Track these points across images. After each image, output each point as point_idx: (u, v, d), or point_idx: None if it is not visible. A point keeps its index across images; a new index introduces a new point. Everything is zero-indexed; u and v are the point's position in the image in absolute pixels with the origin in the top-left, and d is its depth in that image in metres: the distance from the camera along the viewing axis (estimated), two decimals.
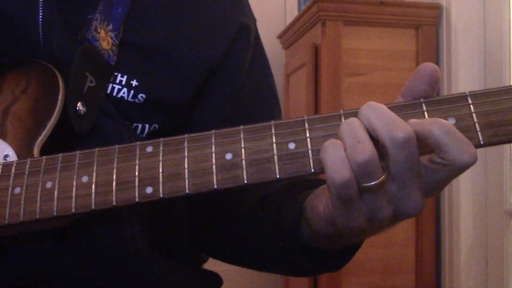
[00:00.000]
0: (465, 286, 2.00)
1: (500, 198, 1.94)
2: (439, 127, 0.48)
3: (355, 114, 0.52)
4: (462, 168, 0.48)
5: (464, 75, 2.03)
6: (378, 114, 0.49)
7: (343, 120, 0.52)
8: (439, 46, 2.13)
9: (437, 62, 2.13)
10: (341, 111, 0.53)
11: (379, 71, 2.09)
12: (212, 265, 0.83)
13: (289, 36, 2.49)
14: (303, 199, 0.63)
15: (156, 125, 0.72)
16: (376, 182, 0.49)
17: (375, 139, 0.49)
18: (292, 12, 2.87)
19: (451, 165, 0.48)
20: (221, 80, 0.76)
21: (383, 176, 0.49)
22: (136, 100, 0.70)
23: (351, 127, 0.49)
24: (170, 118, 0.73)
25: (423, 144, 0.49)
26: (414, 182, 0.49)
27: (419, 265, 2.07)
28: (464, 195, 2.00)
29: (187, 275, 0.77)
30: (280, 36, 2.59)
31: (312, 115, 0.53)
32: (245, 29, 0.79)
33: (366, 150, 0.48)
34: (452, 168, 0.48)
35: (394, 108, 0.51)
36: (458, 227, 2.01)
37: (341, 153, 0.49)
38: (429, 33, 2.12)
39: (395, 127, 0.48)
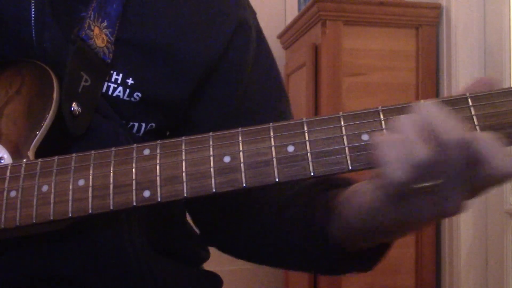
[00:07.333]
0: (465, 286, 1.99)
1: (500, 198, 1.94)
2: (483, 139, 0.47)
3: (354, 115, 0.51)
4: (503, 179, 0.47)
5: (464, 75, 2.02)
6: (437, 114, 0.48)
7: (342, 122, 0.51)
8: (439, 46, 2.12)
9: (437, 62, 2.13)
10: (340, 113, 0.52)
11: (379, 71, 2.08)
12: (212, 265, 0.83)
13: (289, 36, 2.49)
14: (333, 196, 0.62)
15: (153, 124, 0.71)
16: (431, 183, 0.48)
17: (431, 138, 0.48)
18: (292, 12, 2.86)
19: (492, 176, 0.47)
20: (222, 78, 0.75)
21: (439, 178, 0.48)
22: (132, 99, 0.69)
23: (410, 124, 0.48)
24: (167, 117, 0.72)
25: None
26: (462, 185, 0.49)
27: (419, 265, 2.07)
28: None
29: (187, 276, 0.76)
30: (280, 36, 2.59)
31: (311, 117, 0.52)
32: (244, 24, 0.77)
33: (427, 150, 0.47)
34: (494, 178, 0.47)
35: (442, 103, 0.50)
36: (458, 227, 2.01)
37: (401, 150, 0.47)
38: (429, 33, 2.11)
39: (455, 129, 0.47)
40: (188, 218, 0.83)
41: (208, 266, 0.83)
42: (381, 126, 0.51)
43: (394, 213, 0.51)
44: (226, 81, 0.75)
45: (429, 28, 2.11)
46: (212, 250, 0.84)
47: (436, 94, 2.11)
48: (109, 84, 0.68)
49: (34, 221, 0.55)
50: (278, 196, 0.72)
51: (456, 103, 0.50)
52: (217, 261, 0.84)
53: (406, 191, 0.48)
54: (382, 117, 0.51)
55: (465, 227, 2.00)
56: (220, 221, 0.78)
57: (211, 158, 0.53)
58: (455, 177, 0.48)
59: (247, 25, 0.78)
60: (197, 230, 0.84)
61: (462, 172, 0.48)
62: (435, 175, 0.48)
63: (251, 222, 0.75)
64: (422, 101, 0.49)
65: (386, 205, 0.51)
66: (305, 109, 2.20)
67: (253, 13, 0.82)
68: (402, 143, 0.47)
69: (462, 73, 2.03)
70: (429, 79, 2.10)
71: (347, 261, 0.64)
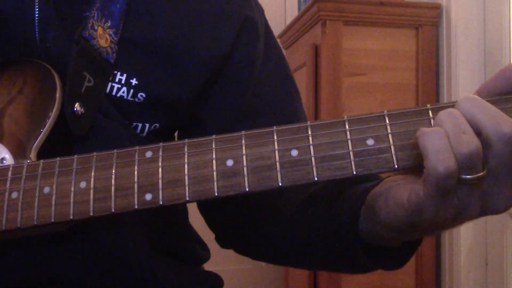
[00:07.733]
0: (465, 286, 1.99)
1: None
2: None
3: (359, 120, 0.51)
4: None
5: (464, 75, 2.02)
6: (482, 108, 0.48)
7: (346, 126, 0.51)
8: (439, 46, 2.12)
9: (437, 62, 2.13)
10: (345, 117, 0.51)
11: (379, 71, 2.08)
12: (212, 265, 0.83)
13: (289, 36, 2.49)
14: (362, 191, 0.60)
15: (157, 124, 0.71)
16: (477, 175, 0.47)
17: (475, 133, 0.48)
18: (292, 12, 2.86)
19: None
20: (230, 77, 0.75)
21: (485, 171, 0.47)
22: (136, 99, 0.69)
23: (454, 117, 0.48)
24: (171, 117, 0.72)
25: None
26: (510, 179, 0.48)
27: (419, 265, 2.07)
28: None
29: (188, 276, 0.76)
30: (280, 36, 2.58)
31: (311, 117, 0.52)
32: (249, 23, 0.77)
33: (473, 141, 0.46)
34: None
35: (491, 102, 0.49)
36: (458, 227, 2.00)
37: (446, 142, 0.47)
38: (429, 33, 2.11)
39: (502, 122, 0.47)
40: (191, 220, 0.83)
41: (208, 266, 0.83)
42: (387, 131, 0.50)
43: (437, 211, 0.49)
44: (235, 80, 0.75)
45: (429, 28, 2.11)
46: (213, 251, 0.84)
47: (436, 94, 2.11)
48: (113, 84, 0.68)
49: (35, 223, 0.55)
50: (300, 193, 0.71)
51: (498, 103, 0.49)
52: (217, 262, 0.84)
53: (451, 185, 0.47)
54: (387, 121, 0.51)
55: (465, 227, 2.00)
56: (238, 223, 0.78)
57: (214, 161, 0.52)
58: (502, 171, 0.48)
59: (253, 23, 0.77)
60: (197, 233, 0.84)
61: (508, 165, 0.47)
62: (480, 168, 0.47)
63: (272, 221, 0.74)
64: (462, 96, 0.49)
65: (428, 202, 0.49)
66: (305, 109, 2.19)
67: (261, 10, 0.82)
68: (445, 134, 0.47)
69: (462, 73, 2.03)
70: (429, 79, 2.10)
71: (375, 257, 0.62)
